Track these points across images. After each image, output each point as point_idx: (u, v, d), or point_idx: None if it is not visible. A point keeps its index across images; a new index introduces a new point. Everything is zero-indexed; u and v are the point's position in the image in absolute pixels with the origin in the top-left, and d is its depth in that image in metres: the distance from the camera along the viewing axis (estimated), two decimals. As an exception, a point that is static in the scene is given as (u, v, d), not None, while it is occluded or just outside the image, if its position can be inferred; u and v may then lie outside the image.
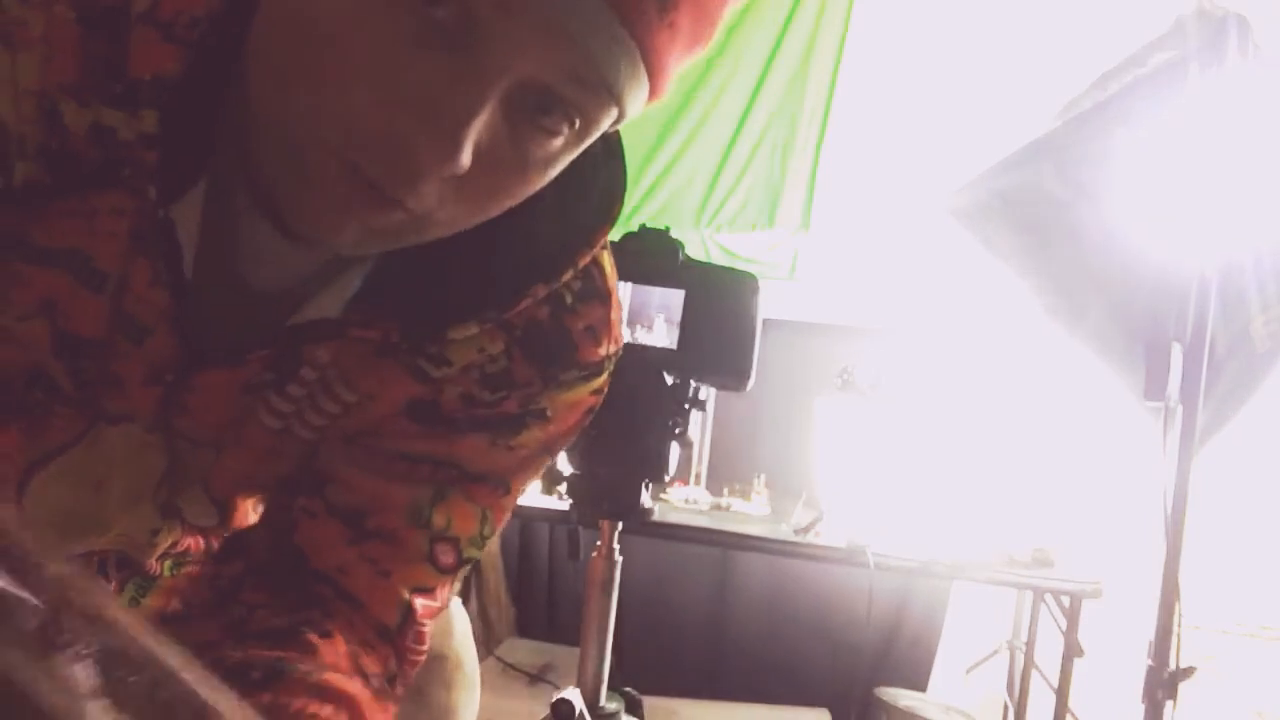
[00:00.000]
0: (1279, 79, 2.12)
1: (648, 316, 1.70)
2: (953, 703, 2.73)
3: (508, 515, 0.70)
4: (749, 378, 1.69)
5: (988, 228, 2.46)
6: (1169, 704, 1.93)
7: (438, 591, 0.66)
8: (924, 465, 2.85)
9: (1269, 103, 2.11)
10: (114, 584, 0.75)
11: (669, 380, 1.68)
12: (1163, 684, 1.93)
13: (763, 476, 3.04)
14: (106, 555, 0.74)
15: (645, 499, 1.66)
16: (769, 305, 1.74)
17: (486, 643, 3.14)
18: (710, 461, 3.21)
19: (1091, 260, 2.34)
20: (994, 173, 2.48)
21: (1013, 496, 2.86)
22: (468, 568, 0.68)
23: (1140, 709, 1.96)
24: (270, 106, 0.49)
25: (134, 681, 0.27)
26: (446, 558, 0.66)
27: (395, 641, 0.65)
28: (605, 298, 0.67)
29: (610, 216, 0.62)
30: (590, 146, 0.55)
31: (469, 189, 0.50)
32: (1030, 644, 2.94)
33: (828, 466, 2.88)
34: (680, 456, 1.71)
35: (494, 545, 3.11)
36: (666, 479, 1.74)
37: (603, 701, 1.62)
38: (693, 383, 1.69)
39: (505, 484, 0.67)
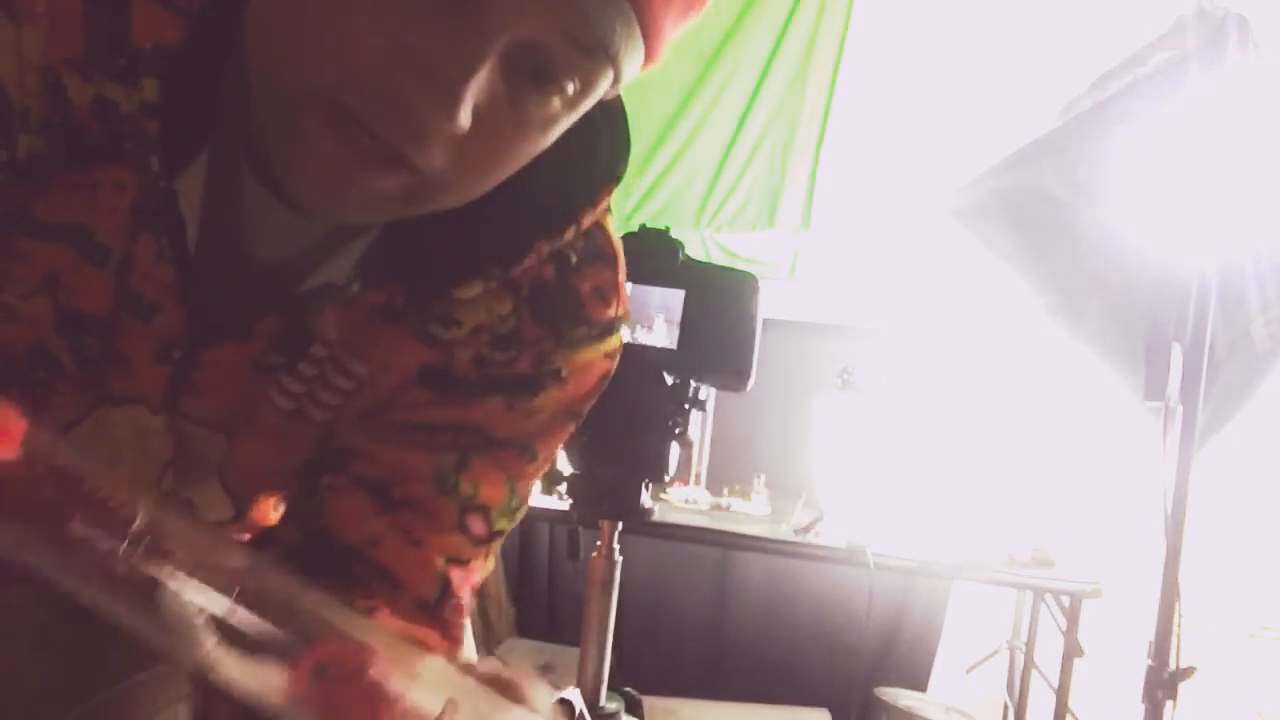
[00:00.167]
0: (1279, 79, 2.12)
1: (648, 316, 1.70)
2: (953, 703, 2.73)
3: (534, 486, 0.69)
4: (749, 378, 1.70)
5: (988, 228, 2.46)
6: (1169, 704, 1.93)
7: (472, 563, 0.66)
8: (924, 465, 2.85)
9: (1269, 103, 2.12)
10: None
11: (669, 380, 1.69)
12: (1163, 684, 1.93)
13: (763, 476, 3.04)
14: None
15: (645, 499, 1.66)
16: (769, 305, 1.74)
17: (486, 643, 3.14)
18: (710, 461, 3.22)
19: (1091, 260, 2.34)
20: (994, 173, 2.48)
21: (1013, 496, 2.86)
22: (500, 541, 0.68)
23: (1140, 709, 1.96)
24: (269, 70, 0.49)
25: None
26: (478, 527, 0.65)
27: (436, 614, 0.64)
28: (611, 260, 0.67)
29: (613, 176, 0.63)
30: (591, 112, 0.55)
31: (471, 152, 0.50)
32: (1030, 644, 2.94)
33: (828, 466, 2.88)
34: (680, 456, 1.71)
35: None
36: (666, 479, 1.75)
37: (603, 701, 1.62)
38: (693, 383, 1.69)
39: (530, 450, 0.67)
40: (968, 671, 3.10)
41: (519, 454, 0.66)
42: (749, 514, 2.88)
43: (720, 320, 1.65)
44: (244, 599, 0.30)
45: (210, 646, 0.30)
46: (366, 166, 0.48)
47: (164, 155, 0.55)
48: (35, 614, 0.80)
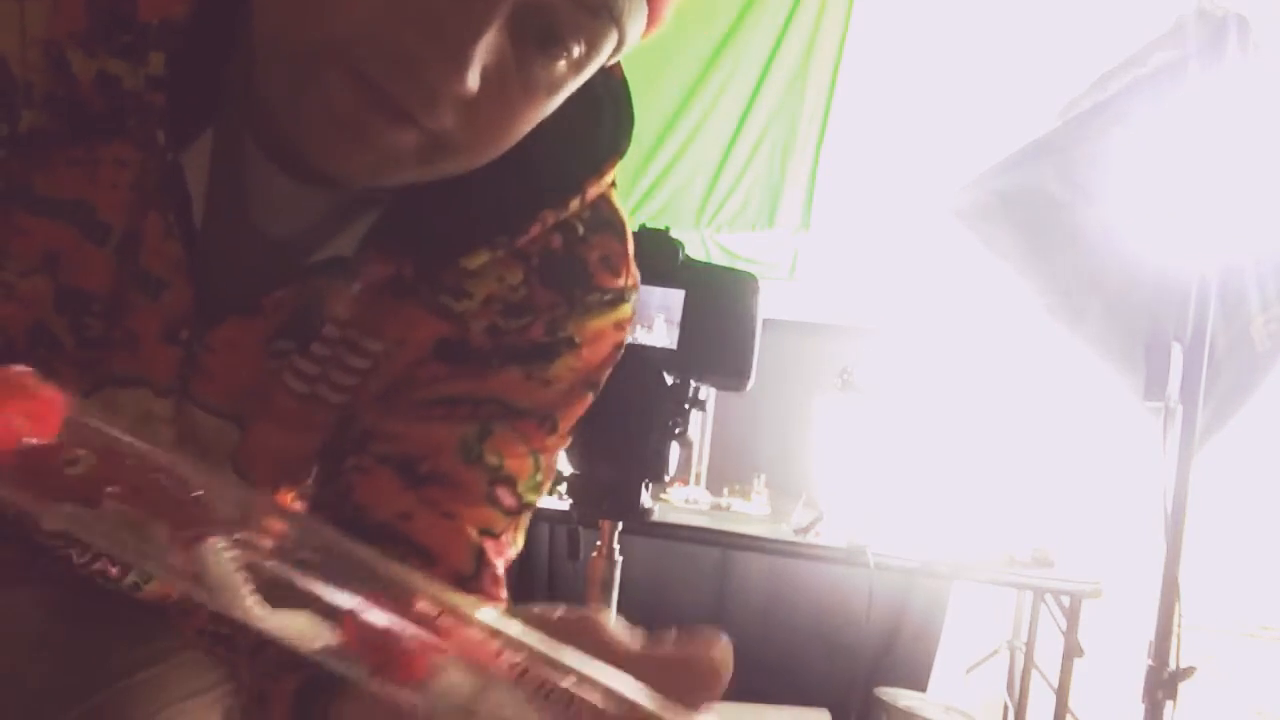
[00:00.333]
0: (1279, 79, 2.12)
1: (648, 316, 1.70)
2: (953, 703, 2.73)
3: (557, 460, 0.69)
4: (748, 377, 1.70)
5: (988, 228, 2.46)
6: (1169, 704, 1.93)
7: (504, 536, 0.65)
8: (924, 465, 2.85)
9: (1269, 103, 2.12)
10: (118, 569, 0.75)
11: (669, 380, 1.69)
12: (1163, 684, 1.93)
13: (763, 476, 3.04)
14: None
15: (645, 499, 1.66)
16: (769, 305, 1.74)
17: (486, 643, 3.14)
18: (710, 461, 3.22)
19: (1092, 260, 2.34)
20: (994, 173, 2.48)
21: (1013, 496, 2.86)
22: (528, 514, 0.67)
23: (1140, 709, 1.96)
24: (278, 30, 0.50)
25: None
26: (507, 499, 0.64)
27: (474, 587, 0.64)
28: (619, 230, 0.67)
29: (617, 149, 0.63)
30: (596, 88, 0.55)
31: (480, 114, 0.50)
32: (1030, 644, 2.94)
33: (828, 466, 2.88)
34: (680, 456, 1.72)
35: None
36: (666, 479, 1.75)
37: (602, 701, 1.62)
38: (693, 383, 1.69)
39: (550, 419, 0.66)
40: (968, 671, 3.10)
41: (539, 424, 0.66)
42: (749, 514, 2.88)
43: (720, 320, 1.65)
44: (288, 552, 0.31)
45: (251, 601, 0.30)
46: (379, 120, 0.49)
47: (170, 130, 0.55)
48: (35, 615, 0.80)
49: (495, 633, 0.31)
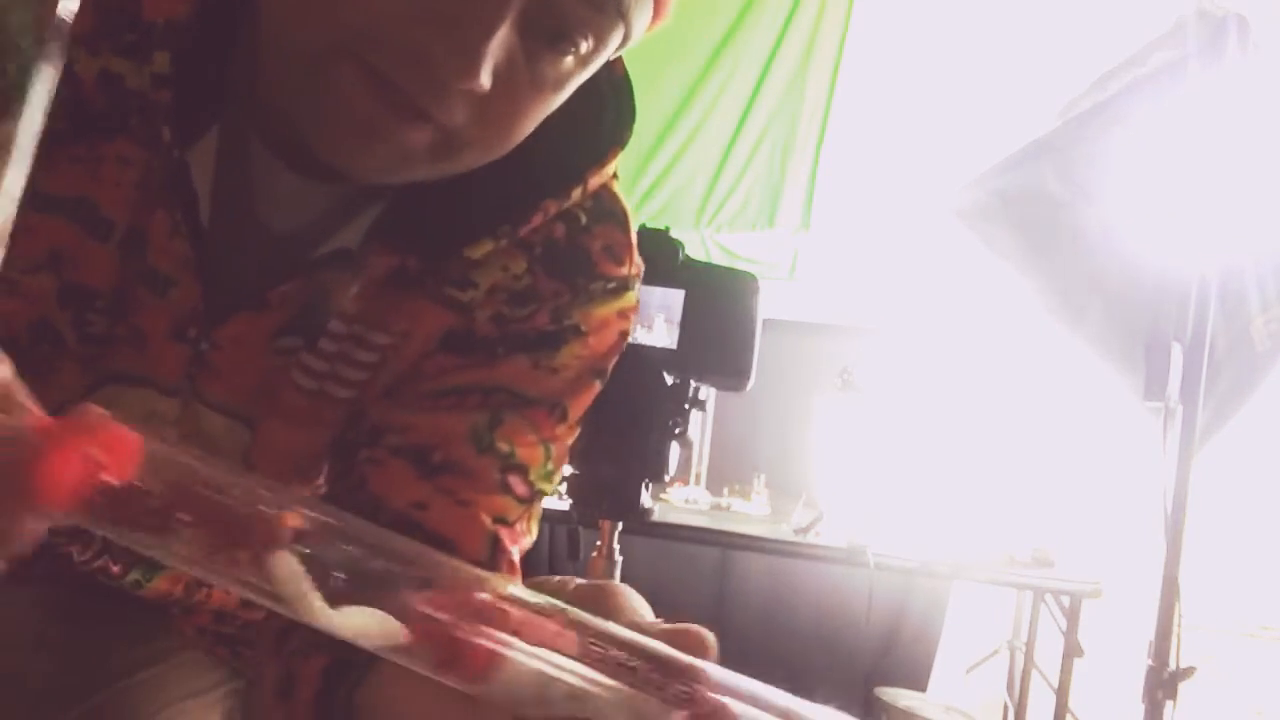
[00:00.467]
0: (1279, 79, 2.12)
1: (648, 316, 1.70)
2: (953, 703, 2.73)
3: (568, 450, 0.70)
4: (748, 377, 1.70)
5: (988, 228, 2.47)
6: (1169, 704, 1.93)
7: (518, 524, 0.66)
8: (924, 465, 2.85)
9: (1269, 103, 2.12)
10: (119, 566, 0.75)
11: (669, 380, 1.69)
12: (1163, 684, 1.93)
13: (763, 476, 3.04)
14: None
15: (645, 499, 1.66)
16: (769, 305, 1.74)
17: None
18: (710, 461, 3.22)
19: (1092, 260, 2.34)
20: (994, 173, 2.48)
21: (1012, 496, 2.86)
22: (540, 502, 0.68)
23: (1140, 709, 1.97)
24: (287, 28, 0.50)
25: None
26: (520, 487, 0.65)
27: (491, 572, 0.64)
28: (621, 220, 0.67)
29: (619, 139, 0.64)
30: (598, 81, 0.56)
31: (491, 110, 0.51)
32: (1030, 644, 2.94)
33: (828, 466, 2.88)
34: (680, 456, 1.72)
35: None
36: (666, 479, 1.75)
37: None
38: (693, 383, 1.69)
39: (560, 407, 0.66)
40: (968, 671, 3.10)
41: (549, 412, 0.66)
42: (749, 514, 2.88)
43: (720, 320, 1.66)
44: (351, 554, 0.32)
45: (320, 605, 0.31)
46: (393, 118, 0.49)
47: (175, 127, 0.55)
48: (35, 615, 0.80)
49: (552, 614, 0.32)
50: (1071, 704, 2.49)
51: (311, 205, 0.61)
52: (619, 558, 1.75)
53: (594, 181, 0.63)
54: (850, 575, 2.65)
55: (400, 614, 0.32)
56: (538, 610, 0.32)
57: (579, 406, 0.68)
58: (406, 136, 0.50)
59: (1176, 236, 2.11)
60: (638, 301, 0.70)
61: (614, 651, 0.32)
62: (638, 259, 0.69)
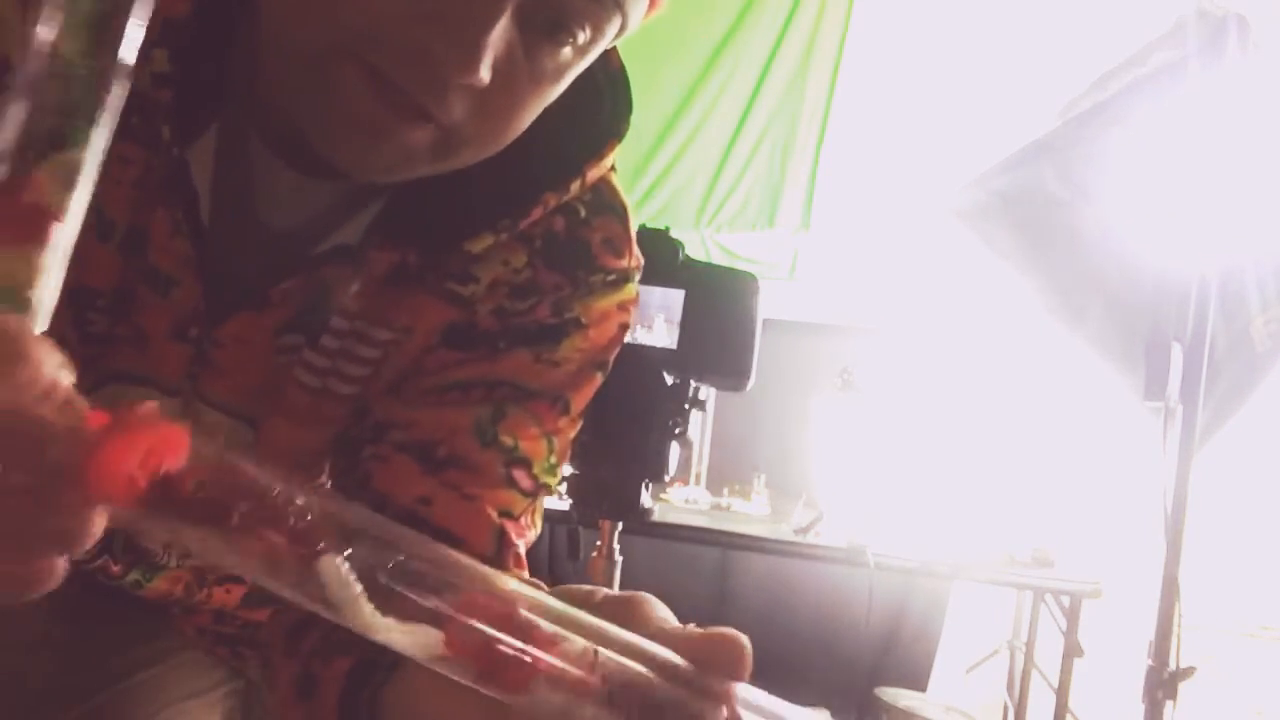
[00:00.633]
0: (1279, 79, 2.12)
1: (648, 316, 1.70)
2: (953, 703, 2.73)
3: (570, 443, 0.70)
4: (748, 377, 1.70)
5: (988, 228, 2.47)
6: (1169, 704, 1.93)
7: (523, 518, 0.66)
8: (924, 465, 2.85)
9: (1269, 103, 2.12)
10: (119, 567, 0.75)
11: (669, 380, 1.69)
12: (1163, 684, 1.93)
13: (763, 476, 3.04)
14: (113, 534, 0.74)
15: (645, 499, 1.66)
16: (769, 305, 1.74)
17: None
18: (710, 461, 3.21)
19: (1091, 260, 2.34)
20: (994, 173, 2.48)
21: (1012, 496, 2.86)
22: (544, 496, 0.68)
23: (1140, 709, 1.96)
24: (288, 29, 0.50)
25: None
26: (524, 481, 0.65)
27: (498, 567, 0.64)
28: (620, 213, 0.68)
29: (617, 132, 0.64)
30: (594, 74, 0.56)
31: (490, 104, 0.51)
32: (1030, 644, 2.94)
33: (828, 466, 2.88)
34: (680, 456, 1.72)
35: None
36: (666, 479, 1.75)
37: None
38: (693, 383, 1.69)
39: (562, 400, 0.67)
40: (968, 671, 3.10)
41: (551, 405, 0.66)
42: (749, 514, 2.88)
43: (720, 320, 1.66)
44: (397, 562, 0.33)
45: (370, 612, 0.32)
46: (395, 118, 0.50)
47: (175, 126, 0.55)
48: (36, 615, 0.80)
49: (594, 642, 0.32)
50: (1071, 704, 2.49)
51: (311, 203, 0.62)
52: (619, 558, 1.75)
53: (592, 174, 0.64)
54: (850, 575, 2.65)
55: (439, 623, 0.32)
56: (566, 622, 0.33)
57: (581, 399, 0.68)
58: (408, 136, 0.50)
59: (1176, 236, 2.11)
60: (637, 294, 0.70)
61: (637, 669, 0.32)
62: (637, 252, 0.69)
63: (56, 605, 0.79)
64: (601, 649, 0.32)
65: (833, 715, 2.81)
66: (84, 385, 0.64)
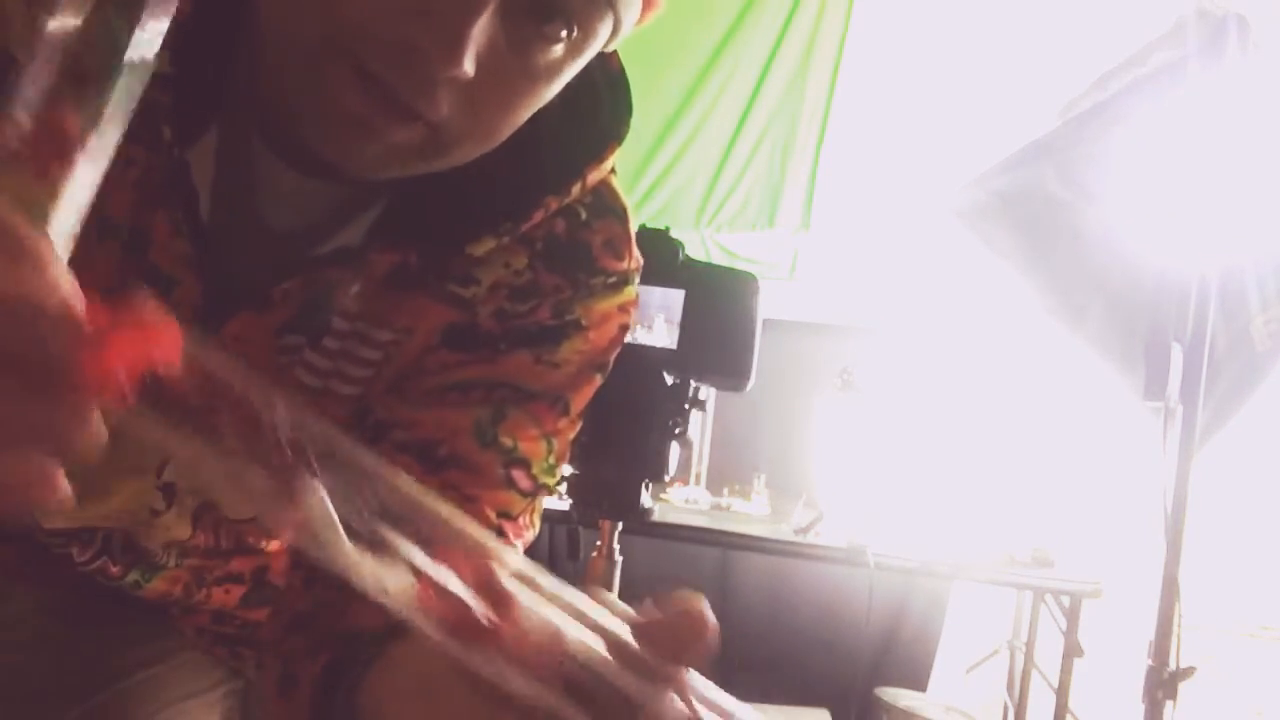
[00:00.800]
0: (1279, 79, 2.12)
1: (648, 316, 1.70)
2: (953, 703, 2.73)
3: (569, 444, 0.71)
4: (749, 378, 1.70)
5: (988, 228, 2.47)
6: (1169, 704, 1.93)
7: (521, 518, 0.66)
8: (924, 465, 2.85)
9: (1269, 103, 2.12)
10: (119, 567, 0.75)
11: (669, 380, 1.69)
12: (1163, 684, 1.93)
13: (763, 476, 3.04)
14: (112, 535, 0.74)
15: (645, 499, 1.66)
16: (769, 305, 1.74)
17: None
18: (710, 461, 3.21)
19: (1092, 260, 2.34)
20: (994, 173, 2.48)
21: (1012, 496, 2.86)
22: (543, 496, 0.68)
23: (1140, 709, 1.96)
24: (284, 24, 0.51)
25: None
26: (523, 481, 0.65)
27: None
28: (620, 214, 0.68)
29: (617, 134, 0.64)
30: (594, 77, 0.56)
31: (479, 100, 0.51)
32: (1030, 644, 2.94)
33: (828, 466, 2.88)
34: (680, 456, 1.72)
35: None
36: (666, 479, 1.75)
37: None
38: (693, 383, 1.69)
39: (562, 402, 0.67)
40: (968, 671, 3.10)
41: (551, 406, 0.67)
42: (749, 514, 2.88)
43: (720, 320, 1.66)
44: (376, 503, 0.32)
45: (348, 547, 0.32)
46: (384, 118, 0.50)
47: (176, 127, 0.55)
48: (36, 614, 0.80)
49: (564, 623, 0.32)
50: (1071, 704, 2.49)
51: (313, 203, 0.62)
52: (619, 558, 1.75)
53: (593, 177, 0.64)
54: (850, 575, 2.65)
55: (416, 573, 0.32)
56: (536, 591, 0.33)
57: (580, 400, 0.69)
58: (396, 133, 0.51)
59: (1176, 236, 2.11)
60: (637, 295, 0.70)
61: (603, 653, 0.32)
62: (637, 253, 0.69)
63: (56, 605, 0.80)
64: (567, 628, 0.32)
65: (833, 715, 2.81)
66: None
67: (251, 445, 0.31)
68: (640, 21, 0.54)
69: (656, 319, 1.67)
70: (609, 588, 1.69)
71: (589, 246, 0.66)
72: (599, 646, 0.33)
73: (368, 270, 0.61)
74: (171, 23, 0.54)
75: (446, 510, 0.34)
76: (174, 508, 0.72)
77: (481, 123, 0.53)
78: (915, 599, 3.07)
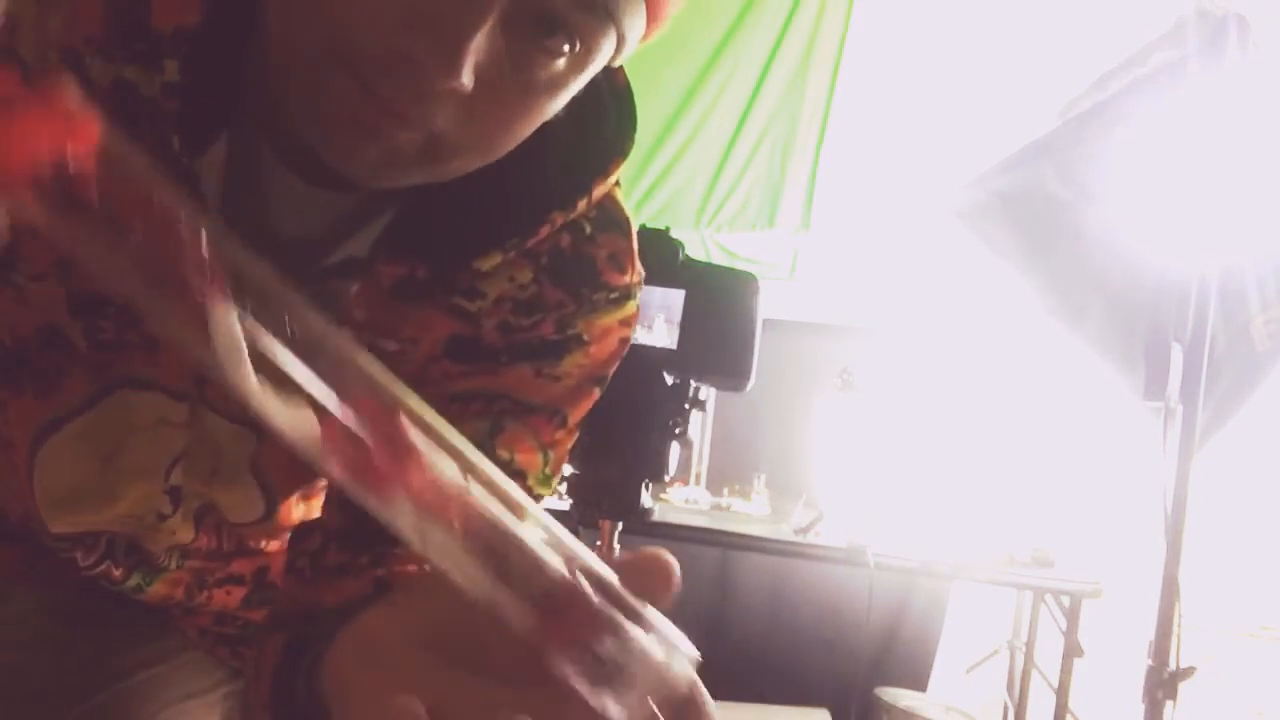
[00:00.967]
0: (1278, 79, 2.12)
1: (648, 316, 1.70)
2: (953, 703, 2.73)
3: (566, 454, 0.71)
4: (749, 378, 1.70)
5: (988, 228, 2.47)
6: (1169, 704, 1.93)
7: None
8: (924, 465, 2.85)
9: (1269, 103, 2.12)
10: (121, 569, 0.75)
11: (669, 380, 1.69)
12: (1163, 684, 1.93)
13: (763, 476, 3.04)
14: (115, 538, 0.74)
15: (645, 499, 1.66)
16: (769, 305, 1.74)
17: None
18: (710, 461, 3.21)
19: (1092, 260, 2.34)
20: (994, 173, 2.48)
21: (1012, 496, 2.86)
22: (539, 505, 0.68)
23: (1140, 709, 1.97)
24: (288, 36, 0.51)
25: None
26: None
27: None
28: (624, 228, 0.68)
29: (622, 149, 0.64)
30: (599, 90, 0.56)
31: (477, 111, 0.51)
32: (1030, 644, 2.94)
33: (828, 466, 2.88)
34: (680, 456, 1.72)
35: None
36: (666, 479, 1.75)
37: (603, 701, 1.62)
38: (693, 383, 1.69)
39: (560, 414, 0.68)
40: (968, 671, 3.10)
41: (549, 419, 0.67)
42: (749, 514, 2.88)
43: (720, 320, 1.66)
44: (291, 336, 0.31)
45: (253, 380, 0.31)
46: (380, 125, 0.50)
47: (185, 136, 0.55)
48: (37, 615, 0.80)
49: (464, 479, 0.32)
50: (1071, 704, 2.49)
51: (321, 214, 0.62)
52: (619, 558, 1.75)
53: (598, 191, 0.64)
54: (850, 575, 2.65)
55: (320, 412, 0.31)
56: (447, 447, 0.32)
57: (578, 413, 0.69)
58: (393, 138, 0.51)
59: (1176, 236, 2.11)
60: (639, 309, 0.70)
61: (504, 516, 0.32)
62: (639, 265, 0.69)
63: (58, 606, 0.80)
64: (475, 488, 0.31)
65: (833, 715, 2.81)
66: (93, 390, 0.64)
67: (162, 260, 0.29)
68: (645, 38, 0.54)
69: (656, 319, 1.67)
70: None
71: (593, 261, 0.66)
72: (504, 513, 0.32)
73: (374, 281, 0.61)
74: (180, 32, 0.54)
75: (359, 353, 0.33)
76: (179, 511, 0.72)
77: (481, 135, 0.53)
78: (915, 599, 3.07)
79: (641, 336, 1.65)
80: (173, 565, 0.77)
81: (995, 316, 2.82)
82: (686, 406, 1.68)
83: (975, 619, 3.14)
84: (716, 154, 3.02)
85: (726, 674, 3.18)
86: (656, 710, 0.32)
